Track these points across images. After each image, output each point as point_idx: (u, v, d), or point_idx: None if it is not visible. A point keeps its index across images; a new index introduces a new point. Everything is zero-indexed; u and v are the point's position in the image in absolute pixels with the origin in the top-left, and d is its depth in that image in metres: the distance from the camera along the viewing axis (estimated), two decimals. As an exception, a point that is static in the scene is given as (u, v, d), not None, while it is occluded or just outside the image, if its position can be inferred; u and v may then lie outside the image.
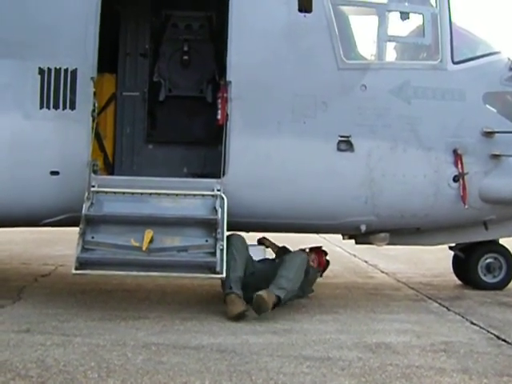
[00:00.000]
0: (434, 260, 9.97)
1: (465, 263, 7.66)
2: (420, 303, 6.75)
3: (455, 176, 6.60)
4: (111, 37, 7.36)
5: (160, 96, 7.80)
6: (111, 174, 7.42)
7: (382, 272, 8.99)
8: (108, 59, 7.27)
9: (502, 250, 7.56)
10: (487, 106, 6.74)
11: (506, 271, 7.49)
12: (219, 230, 5.83)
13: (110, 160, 7.63)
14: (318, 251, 6.80)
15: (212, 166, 6.96)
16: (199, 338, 5.00)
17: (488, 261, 7.50)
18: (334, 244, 11.14)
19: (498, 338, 5.31)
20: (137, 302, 6.35)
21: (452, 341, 5.15)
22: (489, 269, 7.51)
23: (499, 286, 7.47)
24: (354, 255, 10.47)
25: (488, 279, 7.52)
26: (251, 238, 6.80)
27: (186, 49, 7.77)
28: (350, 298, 6.90)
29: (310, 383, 4.01)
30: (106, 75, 7.45)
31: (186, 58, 7.77)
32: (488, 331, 5.52)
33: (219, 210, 5.96)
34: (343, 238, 7.47)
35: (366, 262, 9.95)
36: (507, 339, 5.24)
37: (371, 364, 4.44)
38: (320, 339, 5.06)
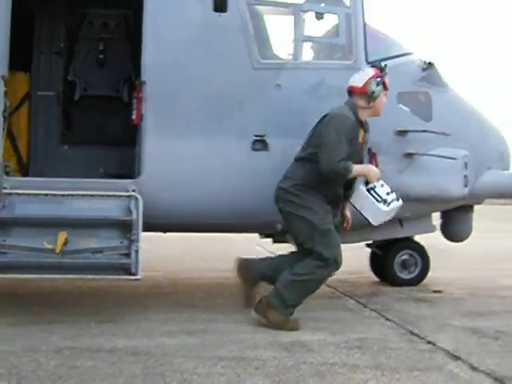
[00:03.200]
0: (351, 257, 10.04)
1: (381, 260, 7.80)
2: (337, 301, 6.84)
3: (369, 174, 6.66)
4: (25, 35, 7.19)
5: (75, 95, 7.67)
6: (26, 175, 7.25)
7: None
8: (21, 58, 7.11)
9: (417, 246, 7.71)
10: (401, 105, 6.85)
11: (420, 267, 7.66)
12: (134, 231, 5.76)
13: (25, 161, 7.46)
14: None
15: (128, 166, 6.88)
16: (114, 341, 4.94)
17: (403, 257, 7.64)
18: (255, 243, 11.13)
19: (412, 333, 5.41)
20: (52, 305, 6.24)
21: (367, 337, 5.23)
22: (404, 265, 7.66)
23: (414, 282, 7.64)
24: (273, 253, 10.49)
25: (403, 275, 7.67)
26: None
27: (101, 47, 7.66)
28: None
29: (225, 383, 4.01)
30: (19, 74, 7.27)
31: (101, 56, 7.66)
32: (402, 327, 5.62)
33: (134, 211, 5.88)
34: (260, 237, 7.50)
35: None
36: (420, 334, 5.35)
37: (285, 363, 4.47)
38: (235, 339, 5.07)
